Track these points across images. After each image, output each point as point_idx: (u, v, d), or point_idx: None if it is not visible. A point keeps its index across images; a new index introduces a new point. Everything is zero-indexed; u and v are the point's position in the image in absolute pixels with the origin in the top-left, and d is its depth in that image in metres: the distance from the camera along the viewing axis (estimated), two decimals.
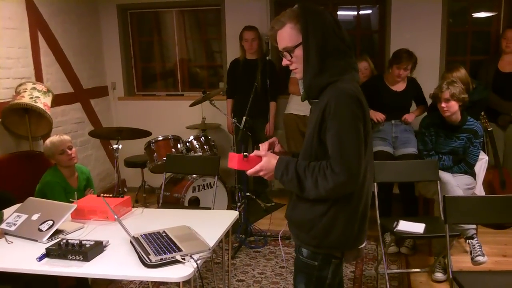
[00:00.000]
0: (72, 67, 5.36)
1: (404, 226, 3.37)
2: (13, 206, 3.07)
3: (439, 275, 3.62)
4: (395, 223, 3.41)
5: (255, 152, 1.96)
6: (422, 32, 5.17)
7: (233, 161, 1.94)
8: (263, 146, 2.06)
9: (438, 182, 3.63)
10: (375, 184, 3.58)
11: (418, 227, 3.34)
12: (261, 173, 1.94)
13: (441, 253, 3.58)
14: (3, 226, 2.67)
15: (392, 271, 3.76)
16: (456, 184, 3.75)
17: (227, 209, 4.64)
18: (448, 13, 5.16)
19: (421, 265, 3.88)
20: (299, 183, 1.84)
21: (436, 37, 5.17)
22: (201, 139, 4.98)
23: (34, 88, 4.29)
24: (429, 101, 4.36)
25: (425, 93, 4.56)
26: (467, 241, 3.77)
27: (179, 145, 4.86)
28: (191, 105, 4.82)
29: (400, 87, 4.46)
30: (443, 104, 3.75)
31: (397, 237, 3.54)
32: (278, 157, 1.92)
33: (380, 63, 5.31)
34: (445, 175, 3.76)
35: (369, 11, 5.67)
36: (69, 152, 3.41)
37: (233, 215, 2.86)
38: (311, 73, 1.84)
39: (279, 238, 3.34)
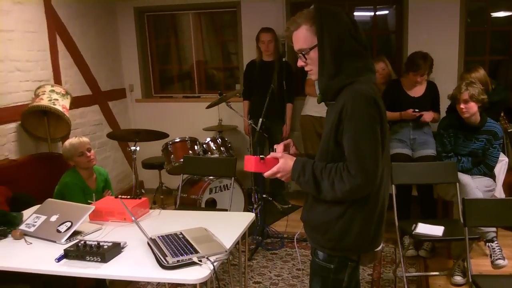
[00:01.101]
0: (90, 69, 5.41)
1: (423, 228, 3.33)
2: (32, 207, 3.10)
3: (458, 279, 3.57)
4: (414, 225, 3.38)
5: (272, 154, 1.95)
6: (440, 33, 5.12)
7: (250, 163, 1.93)
8: (279, 148, 2.05)
9: (457, 184, 3.59)
10: (393, 186, 3.55)
11: (437, 230, 3.30)
12: (278, 175, 1.93)
13: (461, 256, 3.53)
14: (23, 227, 2.70)
15: (410, 274, 3.73)
16: (476, 186, 3.71)
17: (243, 211, 4.65)
18: (466, 13, 5.10)
19: (440, 268, 3.84)
20: (315, 184, 1.84)
21: (454, 37, 5.12)
22: (217, 140, 4.99)
23: (52, 91, 4.34)
24: (447, 102, 4.30)
25: (443, 94, 4.50)
26: (487, 244, 3.73)
27: (196, 147, 4.87)
28: (208, 107, 4.83)
29: (418, 91, 4.41)
30: (462, 105, 3.71)
31: (416, 239, 3.51)
32: (294, 158, 1.91)
33: (398, 63, 5.27)
34: (464, 177, 3.72)
35: (386, 12, 5.63)
36: (88, 154, 3.44)
37: (249, 217, 2.85)
38: (327, 76, 1.83)
39: (295, 241, 3.32)
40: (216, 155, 4.87)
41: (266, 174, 1.93)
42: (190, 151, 4.82)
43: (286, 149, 2.08)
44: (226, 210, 3.90)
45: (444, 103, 4.52)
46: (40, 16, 4.62)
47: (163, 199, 5.48)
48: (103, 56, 5.67)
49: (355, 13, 5.64)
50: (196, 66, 6.13)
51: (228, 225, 2.72)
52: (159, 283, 3.69)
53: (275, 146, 2.05)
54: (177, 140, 4.88)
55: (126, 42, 6.03)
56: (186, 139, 4.89)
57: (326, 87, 1.86)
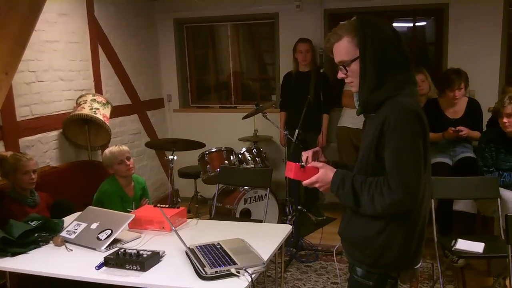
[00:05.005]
0: (130, 79, 5.52)
1: (463, 245, 3.26)
2: (72, 214, 3.17)
3: None
4: (453, 241, 3.31)
5: (313, 163, 1.93)
6: (481, 44, 5.02)
7: (290, 170, 1.92)
8: (307, 155, 1.98)
9: (499, 200, 3.50)
10: (432, 200, 3.48)
11: (477, 246, 3.22)
12: (316, 185, 1.90)
13: (501, 274, 3.44)
14: (64, 234, 2.76)
15: None
16: None
17: (277, 222, 4.63)
18: (510, 23, 4.98)
19: (479, 285, 3.74)
20: (355, 198, 1.81)
21: (496, 49, 5.00)
22: (253, 151, 5.00)
23: (94, 100, 4.44)
24: (488, 115, 4.21)
25: (484, 107, 4.39)
26: None
27: (231, 157, 4.89)
28: (244, 118, 4.85)
29: (458, 112, 4.31)
30: (505, 119, 3.62)
31: (455, 256, 3.43)
32: (335, 170, 1.89)
33: (437, 76, 5.18)
34: (506, 193, 3.62)
35: (424, 23, 5.57)
36: (127, 162, 3.50)
37: (286, 229, 2.85)
38: (368, 88, 1.81)
39: (334, 254, 3.29)
40: (252, 166, 4.88)
41: (305, 182, 1.91)
42: (226, 161, 4.85)
43: (315, 156, 2.03)
44: (260, 220, 3.90)
45: (485, 117, 4.42)
46: (83, 27, 4.74)
47: (198, 208, 5.52)
48: (142, 66, 5.77)
49: (394, 24, 5.59)
50: (233, 76, 6.17)
51: (265, 237, 2.72)
52: None
53: (302, 153, 2.00)
54: (214, 150, 4.91)
55: (165, 52, 6.13)
56: (222, 149, 4.92)
57: (367, 99, 1.83)
